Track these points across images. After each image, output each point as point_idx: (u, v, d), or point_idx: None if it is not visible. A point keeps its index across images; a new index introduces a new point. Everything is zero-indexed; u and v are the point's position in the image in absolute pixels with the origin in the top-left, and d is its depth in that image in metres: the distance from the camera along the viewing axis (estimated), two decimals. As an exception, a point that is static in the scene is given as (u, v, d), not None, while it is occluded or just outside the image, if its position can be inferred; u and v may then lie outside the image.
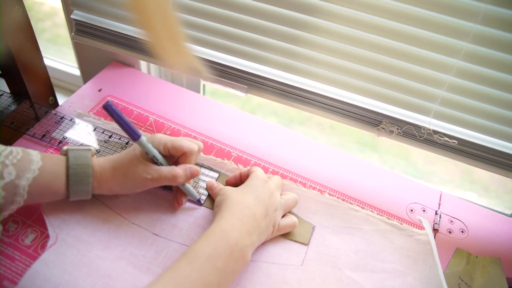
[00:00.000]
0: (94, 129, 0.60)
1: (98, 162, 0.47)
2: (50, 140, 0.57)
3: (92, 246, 0.47)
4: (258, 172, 0.52)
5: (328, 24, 0.50)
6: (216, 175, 0.57)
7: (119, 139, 0.59)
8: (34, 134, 0.58)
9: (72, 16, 0.63)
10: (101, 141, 0.58)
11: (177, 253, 0.48)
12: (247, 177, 0.52)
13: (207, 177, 0.56)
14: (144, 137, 0.46)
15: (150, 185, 0.48)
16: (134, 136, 0.45)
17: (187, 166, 0.49)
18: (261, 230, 0.46)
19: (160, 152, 0.48)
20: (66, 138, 0.58)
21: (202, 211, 0.53)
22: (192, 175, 0.49)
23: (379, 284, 0.48)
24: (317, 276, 0.48)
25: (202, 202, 0.53)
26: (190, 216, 0.52)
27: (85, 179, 0.46)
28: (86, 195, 0.47)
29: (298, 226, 0.52)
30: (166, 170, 0.47)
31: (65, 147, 0.47)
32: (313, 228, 0.53)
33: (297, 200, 0.54)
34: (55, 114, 0.61)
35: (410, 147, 0.57)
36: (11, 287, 0.43)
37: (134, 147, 0.48)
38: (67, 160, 0.46)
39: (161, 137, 0.49)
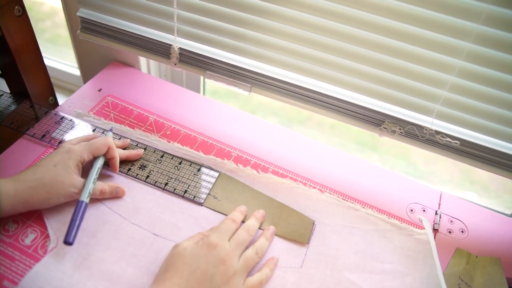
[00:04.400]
0: (94, 130, 0.60)
1: (7, 183, 0.45)
2: (50, 140, 0.57)
3: (92, 248, 0.47)
4: (211, 235, 0.45)
5: (332, 24, 0.50)
6: (216, 174, 0.57)
7: (119, 139, 0.59)
8: (34, 134, 0.58)
9: (78, 14, 0.63)
10: None
11: (177, 253, 0.48)
12: None
13: (208, 176, 0.56)
14: (89, 183, 0.49)
15: (75, 197, 0.49)
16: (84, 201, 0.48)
17: (116, 186, 0.52)
18: None
19: (85, 160, 0.51)
20: (65, 138, 0.58)
21: (202, 211, 0.53)
22: (117, 194, 0.52)
23: (378, 285, 0.48)
24: (317, 278, 0.48)
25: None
26: (190, 216, 0.52)
27: None
28: None
29: (298, 224, 0.52)
30: (92, 186, 0.50)
31: None
32: (313, 224, 0.52)
33: (263, 253, 0.48)
34: (55, 114, 0.61)
35: (411, 147, 0.57)
36: (11, 287, 0.43)
37: (54, 163, 0.48)
38: None
39: (76, 153, 0.50)
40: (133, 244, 0.48)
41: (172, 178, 0.55)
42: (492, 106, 0.50)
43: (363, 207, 0.56)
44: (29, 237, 0.47)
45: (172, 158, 0.57)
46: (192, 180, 0.55)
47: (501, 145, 0.53)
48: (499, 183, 0.97)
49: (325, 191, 0.57)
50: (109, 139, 0.53)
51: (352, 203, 0.56)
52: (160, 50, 0.62)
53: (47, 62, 0.70)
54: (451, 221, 0.57)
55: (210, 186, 0.55)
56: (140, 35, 0.62)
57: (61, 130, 0.59)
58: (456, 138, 0.53)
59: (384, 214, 0.56)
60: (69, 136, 0.58)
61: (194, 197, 0.53)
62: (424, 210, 0.57)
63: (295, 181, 0.58)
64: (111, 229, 0.49)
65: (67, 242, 0.45)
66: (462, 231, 0.56)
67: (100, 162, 0.52)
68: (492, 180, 0.98)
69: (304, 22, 0.51)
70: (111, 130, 0.59)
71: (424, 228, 0.54)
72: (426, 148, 0.56)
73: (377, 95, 0.54)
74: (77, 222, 0.47)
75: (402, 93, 0.53)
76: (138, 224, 0.50)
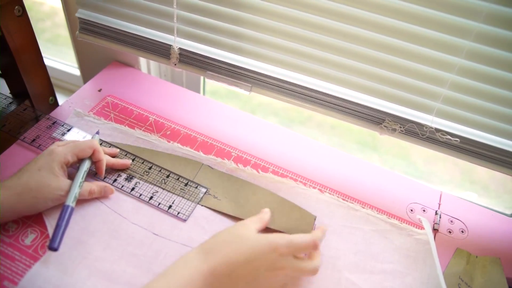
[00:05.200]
0: (84, 137, 0.59)
1: None
2: (39, 146, 0.57)
3: (92, 248, 0.47)
4: (283, 238, 0.43)
5: (331, 22, 0.50)
6: (204, 190, 0.54)
7: (109, 146, 0.58)
8: (24, 138, 0.57)
9: (77, 15, 0.63)
10: None
11: (177, 253, 0.48)
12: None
13: (194, 192, 0.54)
14: (74, 186, 0.48)
15: (63, 200, 0.48)
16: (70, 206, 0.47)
17: (104, 184, 0.52)
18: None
19: (69, 162, 0.50)
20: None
21: (202, 211, 0.52)
22: (105, 193, 0.52)
23: (378, 286, 0.48)
24: (316, 278, 0.48)
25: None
26: (190, 217, 0.52)
27: None
28: None
29: (300, 219, 0.52)
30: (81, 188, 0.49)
31: None
32: (314, 219, 0.52)
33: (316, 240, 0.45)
34: (48, 118, 0.60)
35: (411, 147, 0.57)
36: (11, 287, 0.43)
37: (38, 167, 0.47)
38: None
39: (60, 154, 0.49)
40: (133, 243, 0.48)
41: (157, 191, 0.53)
42: (492, 103, 0.50)
43: (363, 207, 0.56)
44: (29, 237, 0.47)
45: (160, 171, 0.56)
46: (178, 195, 0.53)
47: (501, 142, 0.53)
48: (499, 183, 0.97)
49: (325, 191, 0.57)
50: (95, 142, 0.52)
51: (352, 203, 0.56)
52: (160, 51, 0.62)
53: (47, 62, 0.69)
54: (451, 221, 0.57)
55: (197, 201, 0.53)
56: (139, 35, 0.61)
57: (52, 135, 0.58)
58: (456, 135, 0.53)
59: (384, 214, 0.56)
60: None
61: (178, 213, 0.52)
62: (424, 210, 0.57)
63: (295, 181, 0.58)
64: (110, 228, 0.49)
65: (52, 248, 0.44)
66: (462, 231, 0.56)
67: (86, 165, 0.51)
68: (492, 180, 0.98)
69: (303, 21, 0.51)
70: (97, 133, 0.58)
71: (424, 228, 0.54)
72: (426, 146, 0.56)
73: (378, 94, 0.54)
74: (62, 227, 0.46)
75: (403, 91, 0.53)
76: (138, 224, 0.50)
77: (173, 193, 0.54)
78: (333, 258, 0.50)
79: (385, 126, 0.56)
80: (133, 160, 0.56)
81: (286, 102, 0.60)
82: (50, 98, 0.70)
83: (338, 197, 0.57)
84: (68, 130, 0.59)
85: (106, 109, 0.64)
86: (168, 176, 0.55)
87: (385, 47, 0.50)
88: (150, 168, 0.56)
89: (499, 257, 0.53)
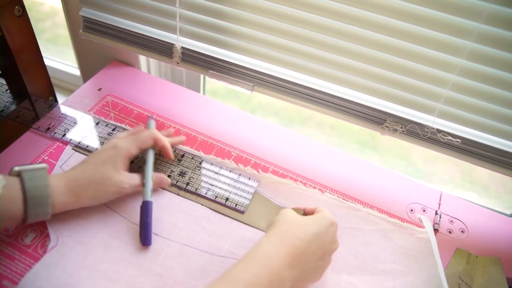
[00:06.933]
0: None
1: (58, 180, 0.46)
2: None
3: (92, 248, 0.47)
4: (327, 212, 0.47)
5: (334, 23, 0.50)
6: (255, 183, 0.56)
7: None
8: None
9: (80, 13, 0.63)
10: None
11: (177, 253, 0.48)
12: (311, 213, 0.49)
13: (247, 186, 0.55)
14: (147, 181, 0.51)
15: (126, 193, 0.50)
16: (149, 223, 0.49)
17: (160, 175, 0.54)
18: (308, 268, 0.42)
19: (132, 155, 0.51)
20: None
21: (202, 211, 0.52)
22: (162, 184, 0.54)
23: (379, 286, 0.48)
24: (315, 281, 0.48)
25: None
26: (190, 216, 0.52)
27: (44, 201, 0.43)
28: (45, 217, 0.45)
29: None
30: (140, 178, 0.51)
31: (16, 168, 0.44)
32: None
33: None
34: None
35: (411, 147, 0.57)
36: (11, 287, 0.43)
37: (103, 160, 0.48)
38: (22, 183, 0.42)
39: (123, 149, 0.50)
40: (133, 243, 0.48)
41: (213, 185, 0.55)
42: (493, 104, 0.50)
43: (364, 207, 0.56)
44: (29, 237, 0.47)
45: (212, 164, 0.57)
46: (233, 187, 0.55)
47: (502, 143, 0.53)
48: (499, 183, 0.97)
49: (326, 191, 0.57)
50: (154, 131, 0.54)
51: (353, 203, 0.56)
52: (163, 50, 0.62)
53: (47, 62, 0.69)
54: (451, 221, 0.57)
55: (250, 196, 0.54)
56: (142, 34, 0.62)
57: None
58: (458, 136, 0.53)
59: (384, 214, 0.56)
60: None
61: (236, 205, 0.53)
62: (424, 210, 0.57)
63: (295, 181, 0.58)
64: (111, 228, 0.49)
65: (147, 245, 0.48)
66: (462, 231, 0.56)
67: (151, 156, 0.53)
68: (492, 180, 0.98)
69: (306, 21, 0.51)
70: (152, 118, 0.60)
71: (424, 227, 0.54)
72: (428, 146, 0.56)
73: (379, 94, 0.54)
74: (151, 223, 0.48)
75: (404, 91, 0.53)
76: (138, 224, 0.50)
77: (228, 185, 0.55)
78: (332, 261, 0.49)
79: (386, 127, 0.56)
80: (182, 156, 0.58)
81: (288, 102, 0.60)
82: (50, 98, 0.70)
83: (338, 197, 0.57)
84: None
85: (106, 108, 0.64)
86: (219, 170, 0.57)
87: (386, 47, 0.50)
88: (200, 163, 0.57)
89: (499, 257, 0.53)
